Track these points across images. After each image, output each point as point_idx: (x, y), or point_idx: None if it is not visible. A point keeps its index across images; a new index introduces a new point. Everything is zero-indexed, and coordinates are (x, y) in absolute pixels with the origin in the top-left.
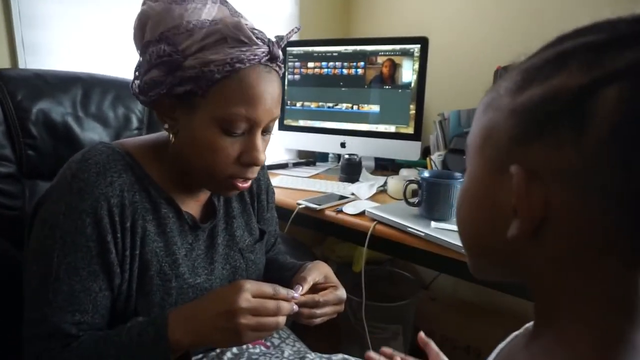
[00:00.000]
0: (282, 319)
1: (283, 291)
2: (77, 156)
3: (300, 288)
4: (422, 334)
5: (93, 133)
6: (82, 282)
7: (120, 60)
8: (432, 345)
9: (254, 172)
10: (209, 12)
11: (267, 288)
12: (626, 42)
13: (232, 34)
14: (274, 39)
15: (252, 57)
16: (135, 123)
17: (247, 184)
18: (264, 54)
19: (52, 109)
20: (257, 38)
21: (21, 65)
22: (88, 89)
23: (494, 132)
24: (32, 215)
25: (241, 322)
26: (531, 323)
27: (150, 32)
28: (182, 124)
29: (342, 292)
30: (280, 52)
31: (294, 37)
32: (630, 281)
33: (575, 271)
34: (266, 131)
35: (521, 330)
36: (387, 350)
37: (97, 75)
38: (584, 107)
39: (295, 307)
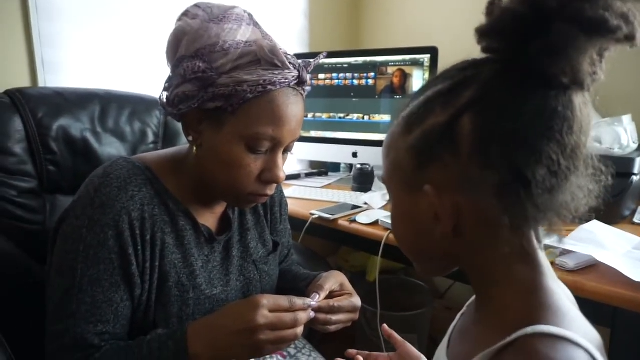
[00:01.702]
0: (300, 330)
1: (299, 302)
2: (99, 171)
3: (318, 296)
4: (385, 326)
5: (111, 148)
6: (105, 293)
7: (136, 77)
8: (397, 335)
9: (272, 189)
10: (243, 34)
11: (284, 301)
12: (462, 85)
13: (267, 57)
14: (302, 64)
15: (283, 80)
16: (151, 137)
17: (265, 198)
18: (294, 78)
19: (71, 125)
20: (289, 63)
21: (41, 84)
22: (105, 105)
23: (399, 166)
24: (55, 230)
25: (261, 339)
26: (473, 299)
27: (186, 48)
28: (206, 137)
29: (357, 300)
30: (307, 77)
31: (305, 50)
32: (522, 240)
33: (490, 247)
34: (287, 150)
35: (464, 308)
36: (352, 351)
37: (114, 91)
38: (451, 135)
39: (312, 314)
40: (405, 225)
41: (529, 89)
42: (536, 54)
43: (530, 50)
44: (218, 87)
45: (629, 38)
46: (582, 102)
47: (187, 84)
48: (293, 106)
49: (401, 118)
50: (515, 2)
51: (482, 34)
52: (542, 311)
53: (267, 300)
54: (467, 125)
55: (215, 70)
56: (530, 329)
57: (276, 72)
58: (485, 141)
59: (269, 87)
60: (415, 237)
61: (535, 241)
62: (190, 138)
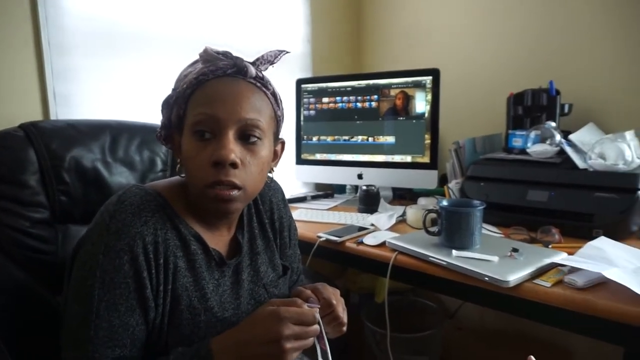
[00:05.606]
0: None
1: (315, 313)
2: (113, 199)
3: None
4: None
5: (120, 177)
6: (121, 317)
7: (145, 107)
8: None
9: (227, 175)
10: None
11: (307, 318)
12: None
13: (201, 56)
14: (250, 60)
15: (214, 69)
16: (160, 165)
17: (228, 192)
18: (227, 66)
19: (83, 156)
20: (218, 54)
21: (52, 116)
22: (116, 135)
23: None
24: (72, 257)
25: (287, 347)
26: None
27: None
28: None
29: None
30: (250, 67)
31: (308, 74)
32: None
33: None
34: (244, 137)
35: None
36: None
37: (124, 121)
38: None
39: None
40: None
41: None
42: None
43: None
44: (173, 99)
45: None
46: None
47: (163, 113)
48: (230, 87)
49: None
50: None
51: None
52: None
53: (289, 313)
54: None
55: (174, 91)
56: None
57: (208, 65)
58: None
59: (201, 77)
60: None
61: None
62: (179, 160)
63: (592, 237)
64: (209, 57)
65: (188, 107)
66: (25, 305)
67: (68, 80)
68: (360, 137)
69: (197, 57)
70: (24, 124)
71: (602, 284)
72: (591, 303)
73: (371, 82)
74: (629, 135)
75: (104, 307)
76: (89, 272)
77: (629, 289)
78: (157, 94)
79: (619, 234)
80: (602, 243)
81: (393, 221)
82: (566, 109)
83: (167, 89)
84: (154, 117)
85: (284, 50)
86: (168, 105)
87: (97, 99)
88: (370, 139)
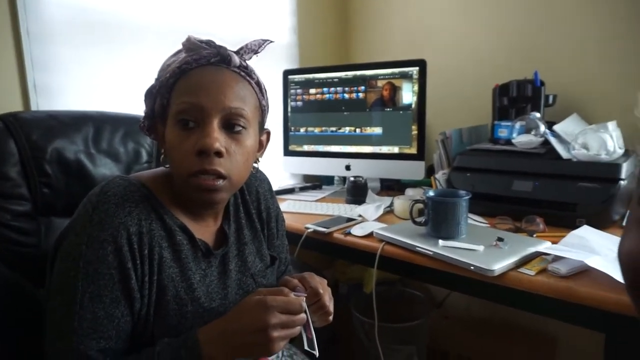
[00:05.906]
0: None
1: (301, 302)
2: (96, 189)
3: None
4: None
5: (105, 169)
6: (106, 309)
7: (128, 97)
8: None
9: (212, 164)
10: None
11: (294, 306)
12: None
13: (184, 45)
14: (234, 49)
15: (198, 58)
16: (145, 157)
17: (213, 181)
18: (211, 55)
19: (65, 148)
20: (201, 42)
21: (33, 107)
22: (99, 126)
23: None
24: (55, 249)
25: (274, 335)
26: None
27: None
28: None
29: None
30: (234, 56)
31: (295, 65)
32: None
33: None
34: (229, 126)
35: None
36: None
37: (107, 112)
38: None
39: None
40: None
41: None
42: None
43: None
44: (156, 88)
45: None
46: None
47: (146, 102)
48: (213, 76)
49: None
50: None
51: None
52: None
53: (276, 302)
54: None
55: (157, 81)
56: None
57: (191, 54)
58: None
59: (184, 66)
60: None
61: None
62: (163, 150)
63: (575, 226)
64: (192, 46)
65: (171, 96)
66: (7, 297)
67: (49, 70)
68: (347, 129)
69: (180, 46)
70: (4, 115)
71: (584, 272)
72: (574, 291)
73: (358, 73)
74: (611, 125)
75: (87, 298)
76: (72, 263)
77: (610, 276)
78: (140, 84)
79: (601, 223)
80: (585, 232)
81: (380, 212)
82: (551, 100)
83: (150, 79)
84: (138, 107)
85: (268, 40)
86: (151, 95)
87: (78, 90)
88: (358, 130)
